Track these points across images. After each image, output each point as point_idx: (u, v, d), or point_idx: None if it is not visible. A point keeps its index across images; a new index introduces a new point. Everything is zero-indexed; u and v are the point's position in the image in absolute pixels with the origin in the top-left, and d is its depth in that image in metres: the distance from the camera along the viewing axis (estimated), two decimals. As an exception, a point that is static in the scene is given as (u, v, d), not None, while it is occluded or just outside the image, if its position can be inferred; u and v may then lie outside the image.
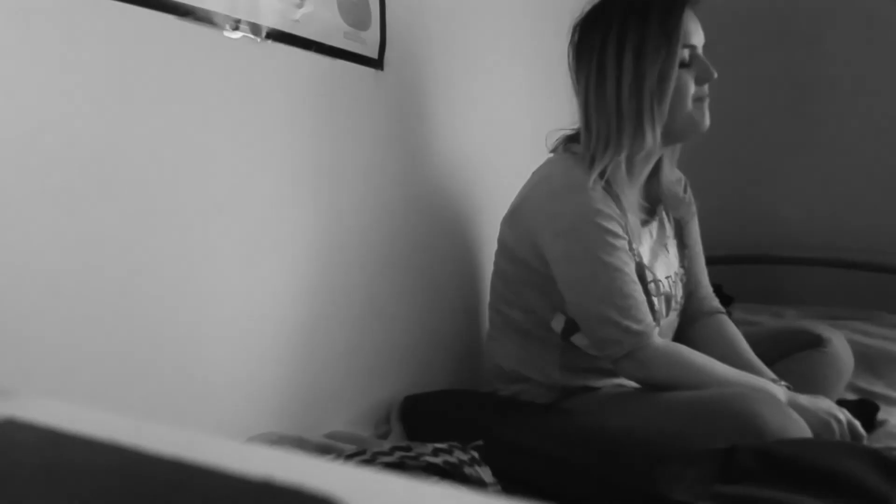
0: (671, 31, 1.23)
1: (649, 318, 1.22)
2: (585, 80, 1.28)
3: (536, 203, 1.30)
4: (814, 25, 2.11)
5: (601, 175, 1.25)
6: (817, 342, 1.33)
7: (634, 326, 1.19)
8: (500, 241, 1.39)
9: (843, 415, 1.16)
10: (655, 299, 1.30)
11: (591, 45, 1.27)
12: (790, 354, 1.34)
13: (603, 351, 1.23)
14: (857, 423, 1.16)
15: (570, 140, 1.35)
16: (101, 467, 0.34)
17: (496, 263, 1.41)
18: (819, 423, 1.13)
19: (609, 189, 1.27)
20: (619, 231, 1.23)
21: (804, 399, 1.17)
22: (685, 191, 1.45)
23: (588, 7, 1.31)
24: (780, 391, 1.17)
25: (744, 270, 2.14)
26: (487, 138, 1.66)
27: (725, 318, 1.45)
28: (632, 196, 1.33)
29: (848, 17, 2.07)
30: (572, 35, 1.32)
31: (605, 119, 1.25)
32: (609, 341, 1.21)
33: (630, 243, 1.27)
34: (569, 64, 1.33)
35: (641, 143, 1.25)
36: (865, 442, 1.14)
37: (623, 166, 1.28)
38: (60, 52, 0.90)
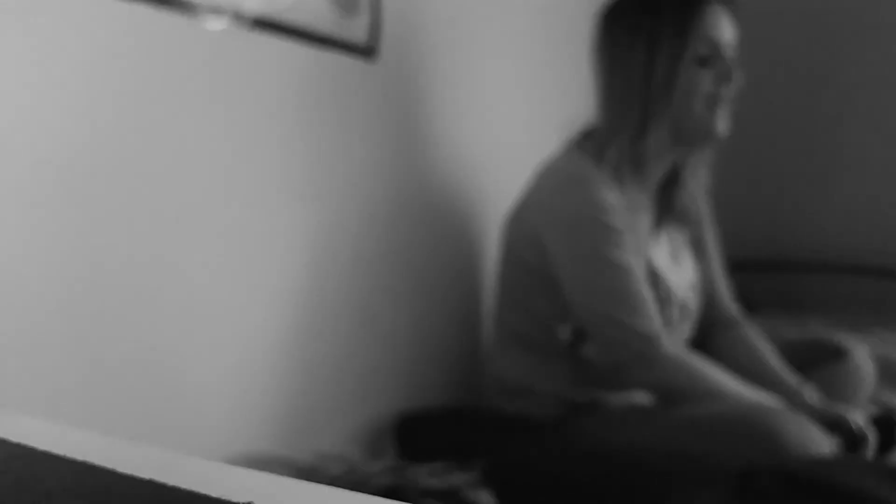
0: (685, 23, 1.24)
1: (657, 319, 1.23)
2: (601, 69, 1.32)
3: (539, 198, 1.31)
4: (847, 25, 2.12)
5: (611, 164, 1.26)
6: (838, 354, 1.33)
7: (642, 327, 1.20)
8: (503, 244, 1.39)
9: (858, 424, 1.16)
10: (669, 307, 1.30)
11: (609, 34, 1.31)
12: (811, 366, 1.34)
13: (610, 354, 1.23)
14: (867, 437, 1.16)
15: (586, 134, 1.35)
16: (73, 487, 0.33)
17: (500, 270, 1.40)
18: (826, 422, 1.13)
19: (617, 181, 1.27)
20: (620, 225, 1.24)
21: (821, 405, 1.18)
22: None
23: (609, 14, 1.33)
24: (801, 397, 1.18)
25: (767, 277, 2.14)
26: (488, 134, 1.65)
27: (747, 325, 1.44)
28: (641, 197, 1.33)
29: (877, 18, 2.08)
30: (594, 30, 1.35)
31: (614, 107, 1.29)
32: (616, 343, 1.22)
33: (636, 242, 1.27)
34: (592, 61, 1.35)
35: (644, 135, 1.26)
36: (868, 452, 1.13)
37: (628, 161, 1.28)
38: (32, 46, 0.89)
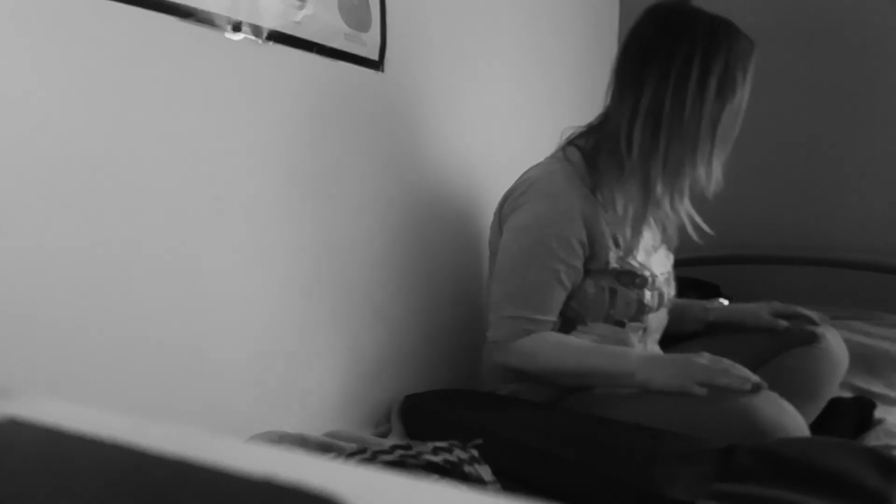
0: (745, 75, 1.22)
1: (550, 320, 1.26)
2: (652, 87, 1.21)
3: (513, 197, 1.32)
4: (842, 27, 2.11)
5: (599, 168, 1.26)
6: (811, 338, 1.33)
7: (520, 326, 1.24)
8: (491, 246, 1.40)
9: (708, 357, 1.14)
10: (648, 293, 1.31)
11: (669, 53, 1.20)
12: (785, 350, 1.34)
13: (488, 333, 1.28)
14: (736, 366, 1.13)
15: (580, 137, 1.35)
16: (103, 466, 0.34)
17: (490, 268, 1.41)
18: (682, 376, 1.13)
19: (599, 193, 1.27)
20: (563, 252, 1.24)
21: (661, 356, 1.20)
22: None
23: (666, 12, 1.25)
24: (636, 354, 1.21)
25: (742, 270, 2.14)
26: (488, 140, 1.66)
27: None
28: (629, 202, 1.33)
29: (869, 23, 2.07)
30: (632, 37, 1.27)
31: (666, 136, 1.21)
32: (493, 327, 1.26)
33: (609, 250, 1.27)
34: (624, 59, 1.27)
35: (703, 178, 1.25)
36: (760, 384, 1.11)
37: (649, 186, 1.26)
38: (59, 52, 0.89)
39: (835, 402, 1.28)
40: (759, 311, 1.42)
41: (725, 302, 1.52)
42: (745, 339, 1.36)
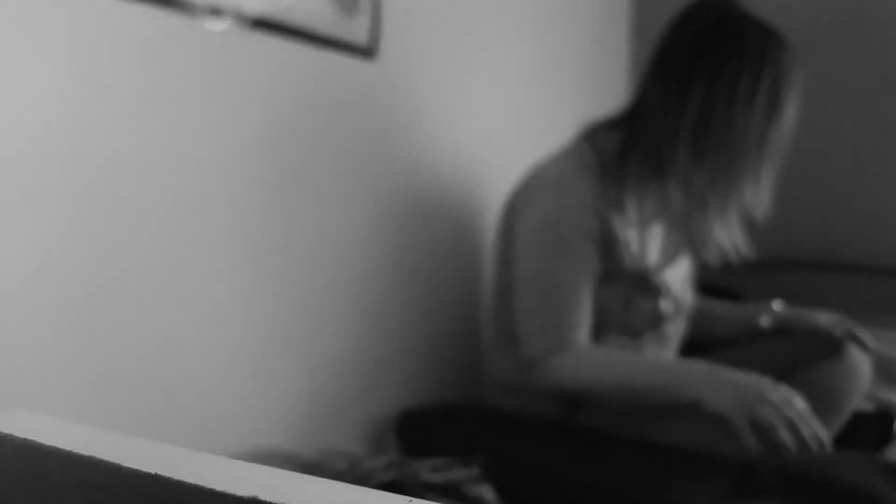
0: (792, 90, 1.21)
1: (580, 342, 1.21)
2: (703, 90, 1.20)
3: (523, 198, 1.30)
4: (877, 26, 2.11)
5: (617, 169, 1.25)
6: (834, 347, 1.31)
7: (557, 336, 1.19)
8: (496, 250, 1.39)
9: (780, 395, 1.07)
10: (663, 301, 1.30)
11: (718, 55, 1.19)
12: (805, 362, 1.32)
13: (522, 353, 1.23)
14: (809, 418, 1.06)
15: (601, 132, 1.32)
16: (79, 483, 0.33)
17: (495, 275, 1.40)
18: (741, 399, 1.07)
19: (610, 192, 1.26)
20: (582, 244, 1.22)
21: (730, 373, 1.12)
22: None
23: (717, 12, 1.24)
24: (700, 365, 1.15)
25: (763, 276, 2.13)
26: (490, 135, 1.64)
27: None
28: (643, 202, 1.32)
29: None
30: (684, 28, 1.25)
31: (716, 143, 1.19)
32: (527, 345, 1.21)
33: (623, 250, 1.26)
34: (668, 55, 1.25)
35: (750, 196, 1.24)
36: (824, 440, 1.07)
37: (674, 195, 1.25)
38: (29, 46, 0.88)
39: (857, 416, 1.27)
40: (819, 319, 1.38)
41: (778, 308, 1.48)
42: (764, 349, 1.35)
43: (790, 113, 1.22)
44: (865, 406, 1.35)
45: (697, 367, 1.14)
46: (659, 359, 1.21)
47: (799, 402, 1.05)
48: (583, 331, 1.21)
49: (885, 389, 1.46)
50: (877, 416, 1.29)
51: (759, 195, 1.23)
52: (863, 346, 1.30)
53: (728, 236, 1.27)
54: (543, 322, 1.20)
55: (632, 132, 1.26)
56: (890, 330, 1.73)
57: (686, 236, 1.36)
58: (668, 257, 1.35)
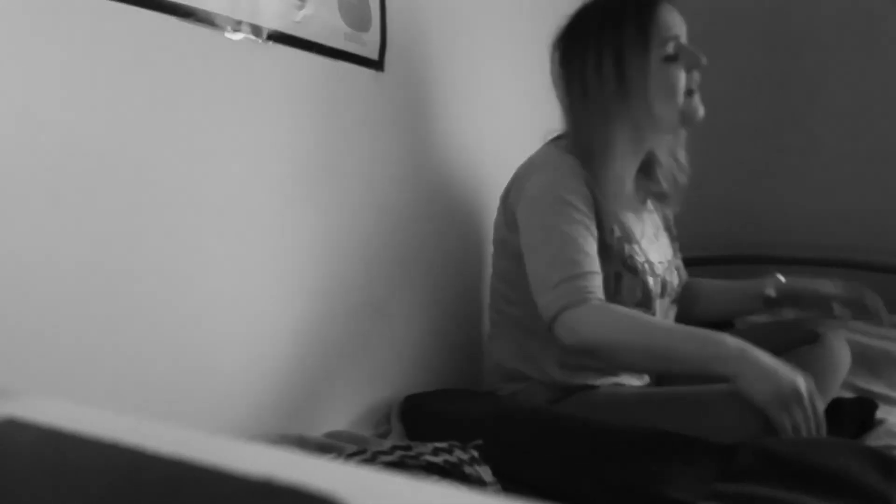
0: (646, 29, 1.26)
1: (597, 291, 1.19)
2: (571, 94, 1.32)
3: (518, 184, 1.33)
4: (810, 22, 2.11)
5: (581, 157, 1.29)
6: (812, 337, 1.31)
7: (572, 286, 1.17)
8: (495, 239, 1.40)
9: (810, 391, 1.07)
10: (650, 279, 1.31)
11: (572, 58, 1.31)
12: (784, 350, 1.33)
13: (544, 316, 1.20)
14: (820, 411, 1.07)
15: (558, 137, 1.38)
16: (102, 467, 0.33)
17: (494, 265, 1.41)
18: (777, 390, 1.05)
19: (588, 180, 1.28)
20: (581, 206, 1.24)
21: (765, 357, 1.09)
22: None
23: (564, 23, 1.35)
24: (734, 341, 1.12)
25: (742, 271, 2.13)
26: (488, 138, 1.66)
27: (695, 279, 1.52)
28: (621, 186, 1.33)
29: (843, 16, 2.07)
30: (553, 52, 1.35)
31: (597, 130, 1.28)
32: (546, 305, 1.19)
33: (608, 225, 1.28)
34: (553, 79, 1.35)
35: (640, 146, 1.32)
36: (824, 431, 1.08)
37: (616, 165, 1.29)
38: (60, 53, 0.90)
39: (837, 403, 1.28)
40: (824, 286, 1.39)
41: (782, 278, 1.48)
42: (745, 336, 1.36)
43: (663, 26, 1.27)
44: (845, 394, 1.36)
45: (732, 342, 1.10)
46: (688, 326, 1.20)
47: (819, 402, 1.06)
48: (596, 282, 1.19)
49: (867, 379, 1.47)
50: (856, 402, 1.29)
51: (668, 105, 1.28)
52: (870, 312, 1.34)
53: (668, 158, 1.38)
54: (556, 278, 1.18)
55: (572, 124, 1.33)
56: (870, 321, 1.73)
57: (645, 174, 1.42)
58: (635, 205, 1.39)
